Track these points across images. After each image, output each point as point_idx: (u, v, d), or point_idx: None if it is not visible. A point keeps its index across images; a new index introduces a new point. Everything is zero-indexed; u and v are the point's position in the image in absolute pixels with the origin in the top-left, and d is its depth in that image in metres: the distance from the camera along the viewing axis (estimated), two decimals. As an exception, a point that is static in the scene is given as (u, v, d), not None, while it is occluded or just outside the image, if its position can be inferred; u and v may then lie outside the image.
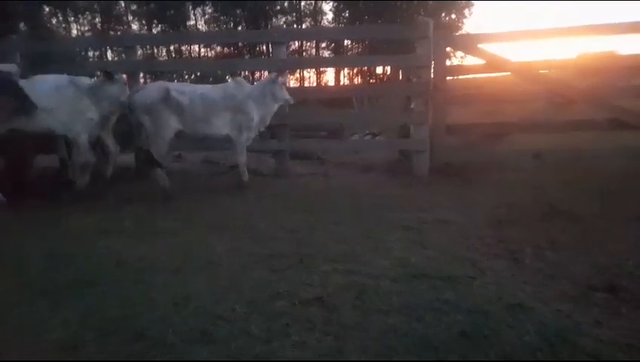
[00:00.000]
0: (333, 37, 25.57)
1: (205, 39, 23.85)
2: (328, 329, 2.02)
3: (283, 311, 2.18)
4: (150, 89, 4.50)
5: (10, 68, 4.22)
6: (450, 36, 5.06)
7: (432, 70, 5.12)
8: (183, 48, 31.96)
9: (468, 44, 5.02)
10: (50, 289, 2.45)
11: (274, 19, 32.67)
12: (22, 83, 4.15)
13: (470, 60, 5.34)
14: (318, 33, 17.86)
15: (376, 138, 7.95)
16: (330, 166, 5.98)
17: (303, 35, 18.46)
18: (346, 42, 31.48)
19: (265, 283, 2.48)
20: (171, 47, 31.19)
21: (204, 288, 2.44)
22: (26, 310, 2.26)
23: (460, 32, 27.44)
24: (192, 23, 33.99)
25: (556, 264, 2.72)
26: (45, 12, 27.86)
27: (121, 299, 2.33)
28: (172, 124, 4.43)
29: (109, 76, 4.47)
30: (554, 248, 2.97)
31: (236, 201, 4.32)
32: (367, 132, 8.47)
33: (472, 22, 32.16)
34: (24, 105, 4.07)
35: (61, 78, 4.44)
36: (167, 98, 4.39)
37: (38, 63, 6.47)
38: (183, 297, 2.33)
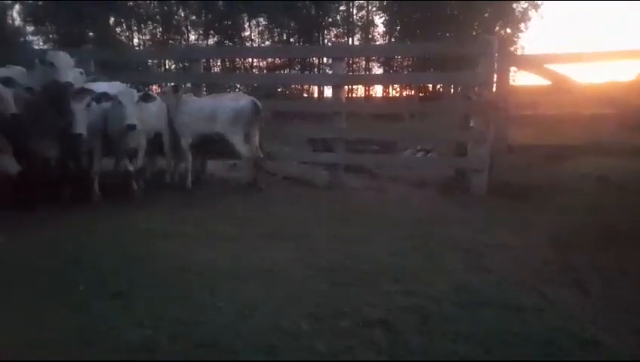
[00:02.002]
0: (394, 54, 25.11)
1: (264, 53, 23.72)
2: (394, 354, 2.01)
3: (347, 331, 2.18)
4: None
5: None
6: (514, 55, 4.93)
7: (495, 88, 5.01)
8: (237, 60, 32.89)
9: (534, 63, 4.89)
10: (122, 291, 2.57)
11: (325, 32, 33.05)
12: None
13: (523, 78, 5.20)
14: (379, 50, 17.52)
15: (429, 154, 7.84)
16: (384, 180, 5.95)
17: (360, 52, 18.13)
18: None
19: (327, 298, 2.50)
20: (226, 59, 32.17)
21: (267, 298, 2.49)
22: (101, 310, 2.38)
23: (514, 47, 26.69)
24: (247, 34, 34.94)
25: (628, 295, 2.60)
26: (111, 22, 29.62)
27: (189, 304, 2.42)
28: None
29: (175, 89, 4.69)
30: (623, 277, 2.83)
31: (291, 210, 4.39)
32: (418, 148, 8.37)
33: (526, 37, 31.14)
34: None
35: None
36: None
37: (110, 72, 6.87)
38: (248, 307, 2.39)
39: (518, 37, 28.75)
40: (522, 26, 29.35)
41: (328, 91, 6.42)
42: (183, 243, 3.38)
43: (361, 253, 3.16)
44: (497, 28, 27.87)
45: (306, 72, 28.19)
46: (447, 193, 5.15)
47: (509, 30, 28.81)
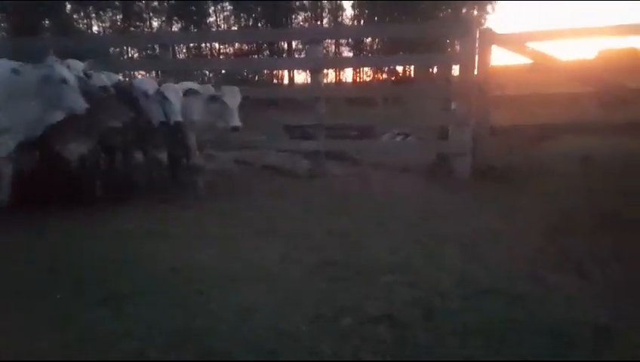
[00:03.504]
0: (372, 36, 24.48)
1: (241, 37, 22.88)
2: (402, 353, 1.92)
3: (351, 330, 2.08)
4: None
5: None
6: (495, 34, 4.87)
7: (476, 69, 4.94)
8: (202, 46, 32.01)
9: (515, 42, 4.84)
10: (109, 298, 2.39)
11: (294, 17, 32.53)
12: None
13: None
14: (358, 31, 17.14)
15: (408, 138, 7.79)
16: (365, 167, 5.85)
17: (339, 34, 17.65)
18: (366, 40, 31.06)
19: (326, 296, 2.39)
20: (190, 45, 31.25)
21: (264, 300, 2.35)
22: (88, 319, 2.20)
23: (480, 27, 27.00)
24: (212, 19, 34.05)
25: (625, 279, 2.58)
26: (67, 9, 28.27)
27: (182, 310, 2.26)
28: None
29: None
30: (619, 260, 2.82)
31: (278, 204, 4.23)
32: (396, 132, 8.30)
33: (492, 19, 31.49)
34: None
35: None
36: None
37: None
38: (245, 310, 2.25)
39: (485, 18, 29.11)
40: (489, 7, 29.72)
41: (299, 77, 6.28)
42: (169, 245, 3.18)
43: (356, 246, 3.06)
44: (464, 9, 28.10)
45: (285, 57, 27.55)
46: (431, 178, 5.10)
47: (475, 12, 29.08)
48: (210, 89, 4.56)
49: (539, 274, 2.63)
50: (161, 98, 4.10)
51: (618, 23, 5.24)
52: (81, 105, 3.56)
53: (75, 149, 4.05)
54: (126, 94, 4.05)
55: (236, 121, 4.26)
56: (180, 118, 4.09)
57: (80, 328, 2.12)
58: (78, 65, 3.99)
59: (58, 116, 3.70)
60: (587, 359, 1.83)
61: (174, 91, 4.18)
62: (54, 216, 3.75)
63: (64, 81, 3.56)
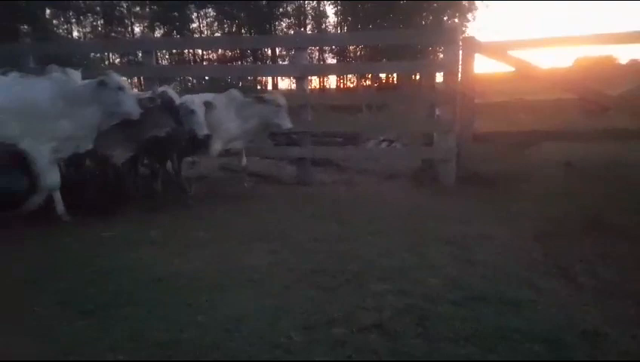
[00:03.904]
0: (357, 43, 24.39)
1: (225, 44, 22.74)
2: (396, 361, 1.89)
3: (343, 340, 2.04)
4: None
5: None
6: (478, 42, 4.93)
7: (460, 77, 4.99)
8: (186, 52, 31.80)
9: (498, 50, 4.91)
10: (89, 310, 2.31)
11: (277, 23, 32.60)
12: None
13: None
14: (343, 39, 16.61)
15: (393, 145, 7.82)
16: (351, 173, 5.85)
17: (325, 41, 17.59)
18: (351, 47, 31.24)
19: (316, 304, 2.35)
20: (174, 51, 31.03)
21: (252, 309, 2.30)
22: (70, 332, 2.12)
23: (464, 36, 27.42)
24: (195, 25, 33.87)
25: (611, 282, 2.61)
26: (47, 14, 27.78)
27: (167, 322, 2.19)
28: None
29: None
30: (605, 263, 2.86)
31: (264, 210, 4.19)
32: (382, 138, 8.33)
33: (474, 26, 32.05)
34: None
35: None
36: None
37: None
38: (232, 320, 2.20)
39: (466, 26, 29.59)
40: (470, 15, 30.23)
41: (283, 84, 6.21)
42: (153, 253, 3.12)
43: (346, 253, 3.03)
44: (446, 17, 28.55)
45: (270, 63, 27.45)
46: (417, 184, 5.11)
47: (456, 20, 29.55)
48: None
49: (528, 278, 2.64)
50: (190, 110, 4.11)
51: (596, 32, 5.36)
52: (137, 110, 3.77)
53: (122, 155, 4.26)
54: (169, 105, 4.09)
55: (288, 123, 4.58)
56: (207, 131, 4.14)
57: (62, 341, 2.04)
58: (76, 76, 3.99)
59: (113, 121, 3.85)
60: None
61: (199, 103, 4.23)
62: (33, 226, 3.65)
63: (121, 88, 3.74)
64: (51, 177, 3.79)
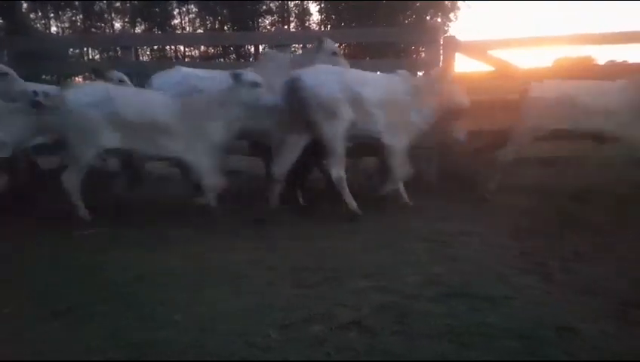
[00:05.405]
0: (341, 41, 24.42)
1: (207, 40, 22.53)
2: (374, 359, 1.89)
3: (321, 337, 2.03)
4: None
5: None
6: (458, 41, 4.98)
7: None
8: (167, 48, 31.37)
9: (478, 50, 4.96)
10: (67, 309, 2.26)
11: (260, 20, 32.43)
12: None
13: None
14: (329, 36, 16.79)
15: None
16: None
17: (307, 38, 17.45)
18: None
19: (295, 302, 2.34)
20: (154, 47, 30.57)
21: (231, 308, 2.28)
22: (41, 334, 2.07)
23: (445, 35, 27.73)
24: (177, 21, 33.52)
25: (585, 278, 2.66)
26: (24, 8, 27.14)
27: (142, 320, 2.16)
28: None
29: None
30: (579, 260, 2.92)
31: (243, 207, 4.16)
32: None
33: (457, 25, 32.38)
34: None
35: None
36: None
37: (27, 62, 6.19)
38: (209, 318, 2.18)
39: (448, 26, 29.86)
40: (452, 15, 30.50)
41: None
42: (132, 251, 3.07)
43: (325, 250, 3.03)
44: (428, 17, 28.75)
45: (252, 61, 27.27)
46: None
47: (439, 20, 29.79)
48: None
49: (504, 274, 2.68)
50: None
51: (574, 33, 5.47)
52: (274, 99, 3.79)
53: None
54: None
55: None
56: None
57: (33, 342, 2.00)
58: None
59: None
60: (554, 360, 1.86)
61: None
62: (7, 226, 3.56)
63: (256, 84, 3.77)
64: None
